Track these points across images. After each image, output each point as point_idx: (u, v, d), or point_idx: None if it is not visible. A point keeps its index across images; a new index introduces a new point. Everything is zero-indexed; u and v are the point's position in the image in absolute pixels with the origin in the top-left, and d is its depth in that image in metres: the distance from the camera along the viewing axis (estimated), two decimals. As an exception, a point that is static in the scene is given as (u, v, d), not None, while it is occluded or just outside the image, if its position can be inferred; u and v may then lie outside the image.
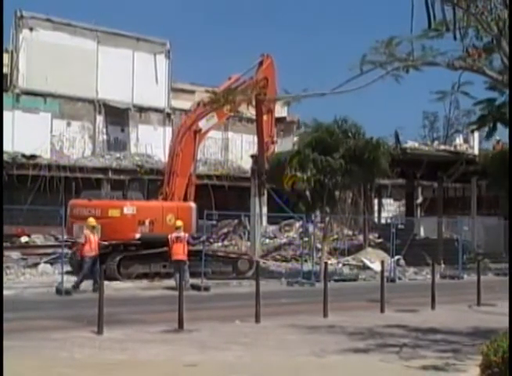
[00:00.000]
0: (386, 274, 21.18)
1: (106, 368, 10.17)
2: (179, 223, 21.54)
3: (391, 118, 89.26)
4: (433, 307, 17.53)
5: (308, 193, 25.71)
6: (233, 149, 46.34)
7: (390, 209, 48.86)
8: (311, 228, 28.51)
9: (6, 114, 34.43)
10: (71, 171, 37.20)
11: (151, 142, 42.18)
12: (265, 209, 32.92)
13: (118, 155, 40.71)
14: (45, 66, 38.52)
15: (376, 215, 44.31)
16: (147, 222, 24.12)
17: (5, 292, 17.32)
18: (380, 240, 36.31)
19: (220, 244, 34.84)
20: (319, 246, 27.57)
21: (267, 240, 35.51)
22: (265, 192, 31.35)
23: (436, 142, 45.73)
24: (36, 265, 26.25)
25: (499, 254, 31.86)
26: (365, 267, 29.27)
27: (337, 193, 26.42)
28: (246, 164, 39.41)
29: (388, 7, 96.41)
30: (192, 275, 21.86)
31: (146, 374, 10.10)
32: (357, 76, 10.50)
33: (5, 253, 25.88)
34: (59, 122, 39.84)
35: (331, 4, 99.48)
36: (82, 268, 20.00)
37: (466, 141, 37.56)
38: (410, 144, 34.44)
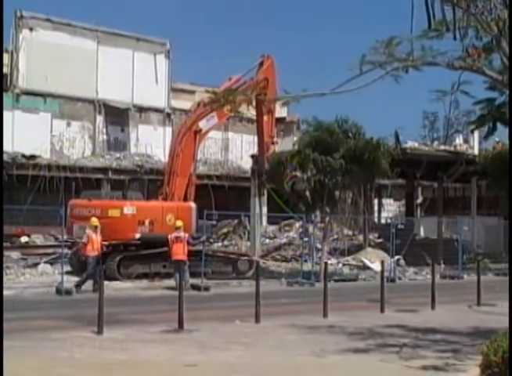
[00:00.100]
0: (386, 274, 21.19)
1: (106, 368, 10.17)
2: (179, 223, 21.54)
3: (391, 118, 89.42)
4: (433, 307, 17.53)
5: (308, 193, 25.73)
6: (233, 149, 46.37)
7: (390, 209, 48.87)
8: (311, 228, 28.50)
9: (6, 114, 34.46)
10: (71, 171, 37.23)
11: (151, 142, 42.22)
12: (264, 209, 32.93)
13: (118, 155, 40.73)
14: (45, 66, 38.54)
15: (376, 215, 44.33)
16: (147, 222, 24.12)
17: (5, 292, 17.31)
18: (380, 240, 36.32)
19: (220, 244, 34.86)
20: (318, 246, 27.57)
21: (267, 240, 35.51)
22: (265, 192, 31.36)
23: (436, 142, 45.76)
24: (36, 265, 26.24)
25: (499, 254, 31.85)
26: (366, 267, 29.26)
27: (337, 193, 26.41)
28: (247, 164, 39.42)
29: (388, 7, 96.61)
30: (192, 275, 21.86)
31: (146, 374, 10.10)
32: (357, 76, 10.50)
33: (5, 253, 25.87)
34: (59, 122, 39.87)
35: (331, 4, 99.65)
36: (86, 268, 19.97)
37: (466, 141, 37.60)
38: (410, 144, 34.44)
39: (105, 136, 41.77)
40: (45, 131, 39.02)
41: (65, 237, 22.90)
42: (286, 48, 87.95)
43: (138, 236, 23.87)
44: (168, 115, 43.84)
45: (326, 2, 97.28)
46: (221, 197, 39.10)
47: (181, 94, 44.16)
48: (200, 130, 26.40)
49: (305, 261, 26.20)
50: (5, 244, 26.46)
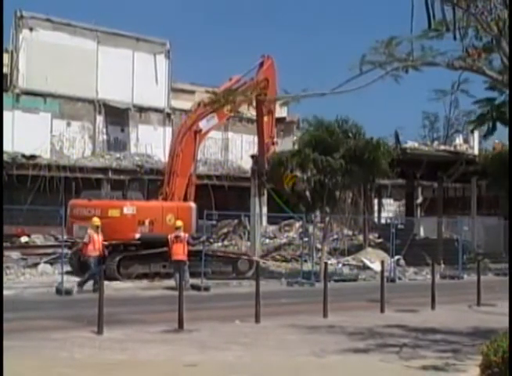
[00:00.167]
0: (386, 274, 21.18)
1: (106, 368, 10.18)
2: (179, 223, 21.54)
3: (391, 118, 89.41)
4: (433, 307, 17.53)
5: (308, 193, 25.72)
6: (233, 149, 46.37)
7: (390, 209, 48.88)
8: (311, 228, 28.50)
9: (6, 114, 34.47)
10: (71, 171, 37.24)
11: (151, 142, 42.22)
12: (264, 209, 32.92)
13: (118, 155, 40.74)
14: (45, 66, 38.54)
15: (376, 215, 44.33)
16: (147, 222, 24.12)
17: (5, 292, 17.31)
18: (380, 240, 36.32)
19: (220, 244, 34.85)
20: (318, 246, 27.57)
21: (267, 240, 35.52)
22: (265, 192, 31.36)
23: (436, 142, 45.77)
24: (36, 265, 26.24)
25: (499, 254, 31.85)
26: (365, 267, 29.26)
27: (337, 193, 26.39)
28: (247, 164, 39.43)
29: (388, 7, 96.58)
30: (192, 275, 21.85)
31: (146, 374, 10.10)
32: (357, 76, 10.50)
33: (5, 253, 25.87)
34: (59, 122, 39.87)
35: (331, 4, 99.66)
36: (89, 267, 19.94)
37: (466, 141, 37.60)
38: (410, 144, 34.45)
39: (105, 136, 41.78)
40: (45, 131, 39.03)
41: (65, 237, 22.90)
42: (286, 48, 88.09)
43: (138, 236, 23.87)
44: (168, 115, 43.85)
45: (326, 2, 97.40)
46: (221, 197, 39.11)
47: (181, 94, 44.17)
48: (200, 130, 26.39)
49: (305, 261, 26.19)
50: (5, 244, 26.46)
